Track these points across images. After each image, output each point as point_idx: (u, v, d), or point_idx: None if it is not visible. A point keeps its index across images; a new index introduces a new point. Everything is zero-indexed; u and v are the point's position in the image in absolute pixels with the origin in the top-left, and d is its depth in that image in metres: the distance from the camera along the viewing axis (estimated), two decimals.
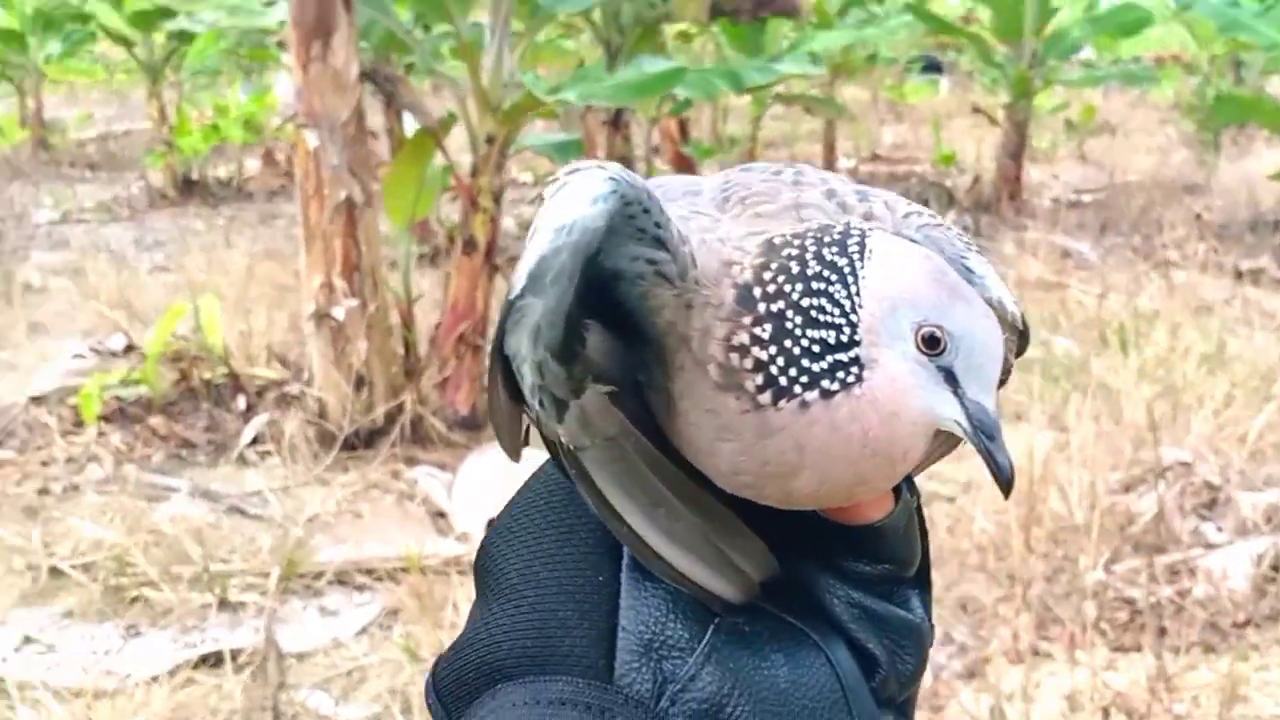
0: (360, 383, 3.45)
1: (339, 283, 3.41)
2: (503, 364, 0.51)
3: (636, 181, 0.50)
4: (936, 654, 2.36)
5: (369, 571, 2.82)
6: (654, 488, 0.53)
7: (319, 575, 2.80)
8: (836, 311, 0.49)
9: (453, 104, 3.85)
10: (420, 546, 2.84)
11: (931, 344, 0.50)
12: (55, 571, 2.81)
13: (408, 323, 3.71)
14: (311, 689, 2.40)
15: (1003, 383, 0.53)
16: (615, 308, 0.52)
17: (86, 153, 9.69)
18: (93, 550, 2.85)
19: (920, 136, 9.17)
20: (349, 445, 3.43)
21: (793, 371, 0.49)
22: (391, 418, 3.49)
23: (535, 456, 0.59)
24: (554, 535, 0.55)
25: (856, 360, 0.49)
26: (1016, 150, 6.91)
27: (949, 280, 0.51)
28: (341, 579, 2.80)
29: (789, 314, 0.49)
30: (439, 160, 3.81)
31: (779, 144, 9.59)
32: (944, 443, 0.56)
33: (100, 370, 3.93)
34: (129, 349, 4.19)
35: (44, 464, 3.42)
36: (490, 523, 0.59)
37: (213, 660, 2.47)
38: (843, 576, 0.55)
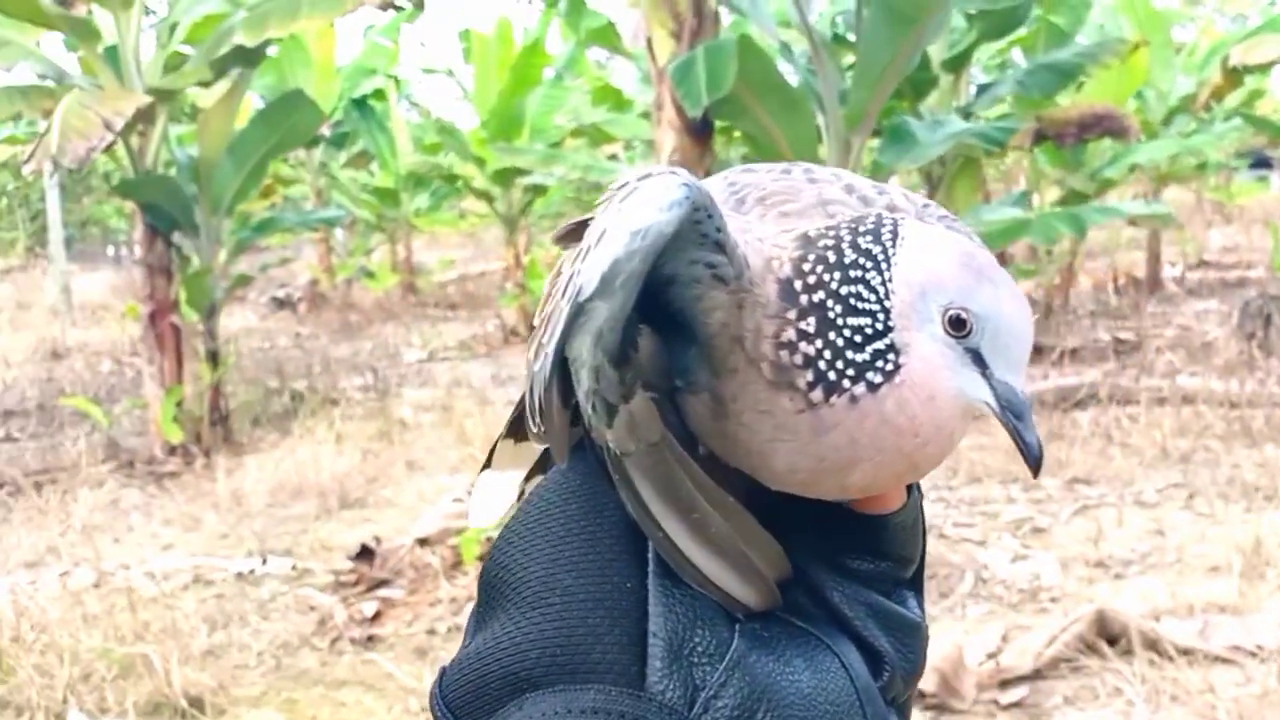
0: None
1: None
2: (560, 367, 0.51)
3: (703, 187, 0.50)
4: None
5: None
6: (688, 493, 0.53)
7: None
8: (872, 298, 0.51)
9: None
10: None
11: (958, 326, 0.51)
12: None
13: None
14: None
15: None
16: (660, 311, 0.52)
17: (448, 294, 10.67)
18: None
19: (1252, 238, 8.81)
20: None
21: (839, 364, 0.50)
22: None
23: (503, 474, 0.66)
24: (576, 543, 0.54)
25: (892, 346, 0.50)
26: None
27: (976, 263, 0.52)
28: None
29: (829, 303, 0.51)
30: None
31: (1097, 253, 9.33)
32: None
33: None
34: None
35: (431, 604, 3.58)
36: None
37: None
38: (844, 574, 0.56)
